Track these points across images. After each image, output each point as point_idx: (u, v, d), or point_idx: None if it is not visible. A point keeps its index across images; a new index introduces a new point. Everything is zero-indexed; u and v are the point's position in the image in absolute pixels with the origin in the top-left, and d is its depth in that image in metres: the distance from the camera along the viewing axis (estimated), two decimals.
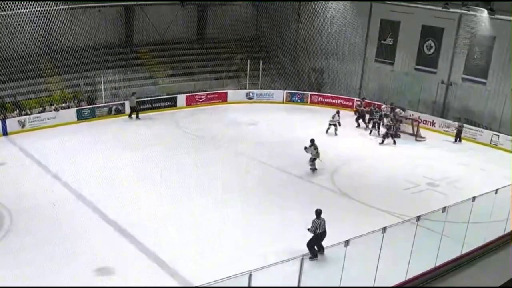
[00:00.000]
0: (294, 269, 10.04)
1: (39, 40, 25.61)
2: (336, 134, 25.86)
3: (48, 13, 25.02)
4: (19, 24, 24.58)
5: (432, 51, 29.32)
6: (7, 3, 23.88)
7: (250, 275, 8.75)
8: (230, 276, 8.55)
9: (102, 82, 27.52)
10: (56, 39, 26.44)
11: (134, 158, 20.93)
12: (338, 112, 26.29)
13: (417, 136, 26.49)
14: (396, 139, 25.23)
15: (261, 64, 32.94)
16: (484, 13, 26.36)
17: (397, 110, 27.52)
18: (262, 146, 23.67)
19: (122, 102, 27.79)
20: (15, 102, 24.94)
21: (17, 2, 24.07)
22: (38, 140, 22.71)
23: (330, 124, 26.01)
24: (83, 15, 27.47)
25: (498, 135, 25.74)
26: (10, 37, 24.57)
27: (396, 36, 30.73)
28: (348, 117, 27.95)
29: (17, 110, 24.66)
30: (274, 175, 20.46)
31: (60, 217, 15.67)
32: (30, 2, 24.35)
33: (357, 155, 23.56)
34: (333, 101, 31.83)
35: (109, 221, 15.81)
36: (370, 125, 27.07)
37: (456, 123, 26.75)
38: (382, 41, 31.46)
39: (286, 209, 16.95)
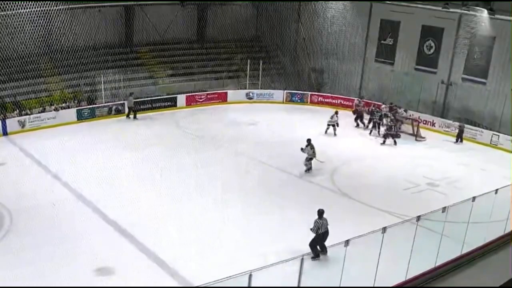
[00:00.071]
0: (294, 269, 10.04)
1: (39, 40, 25.60)
2: (335, 134, 25.85)
3: (48, 13, 25.00)
4: (19, 24, 24.57)
5: (432, 51, 29.31)
6: (7, 3, 23.87)
7: (250, 275, 8.76)
8: (230, 276, 8.56)
9: (102, 82, 27.53)
10: (56, 39, 26.44)
11: (134, 158, 20.93)
12: (336, 113, 26.26)
13: (417, 136, 26.48)
14: (396, 139, 25.25)
15: (261, 64, 32.93)
16: (484, 13, 26.35)
17: (400, 110, 27.53)
18: (262, 146, 23.66)
19: (122, 102, 27.77)
20: (15, 102, 24.95)
21: (17, 2, 24.05)
22: (38, 140, 22.71)
23: (328, 125, 26.01)
24: (83, 15, 27.46)
25: (498, 135, 25.74)
26: (10, 37, 24.56)
27: (396, 36, 30.72)
28: (348, 117, 27.93)
29: (17, 110, 24.67)
30: (274, 175, 20.46)
31: (60, 217, 15.67)
32: (30, 2, 24.33)
33: (357, 155, 23.56)
34: (333, 101, 31.82)
35: (109, 221, 15.81)
36: (371, 125, 27.07)
37: (457, 124, 26.72)
38: (382, 41, 31.45)
39: (286, 209, 16.97)
